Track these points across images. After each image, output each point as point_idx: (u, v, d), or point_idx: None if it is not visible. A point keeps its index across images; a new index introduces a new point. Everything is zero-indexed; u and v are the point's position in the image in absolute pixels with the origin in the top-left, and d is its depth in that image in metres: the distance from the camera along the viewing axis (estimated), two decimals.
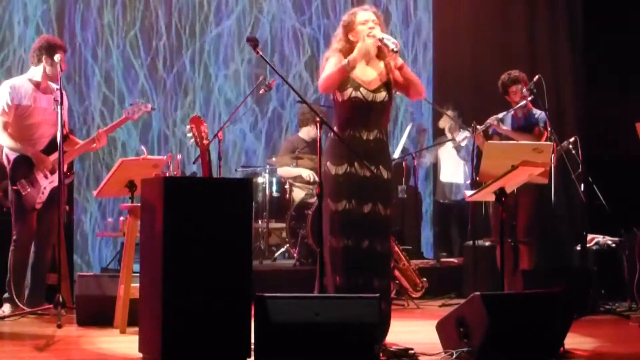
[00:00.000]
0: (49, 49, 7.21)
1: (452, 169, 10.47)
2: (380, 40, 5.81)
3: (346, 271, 5.73)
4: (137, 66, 10.61)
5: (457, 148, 10.33)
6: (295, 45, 11.32)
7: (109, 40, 10.50)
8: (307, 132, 9.99)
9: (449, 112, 10.27)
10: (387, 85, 5.91)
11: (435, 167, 10.84)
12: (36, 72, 7.29)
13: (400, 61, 5.86)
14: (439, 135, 10.84)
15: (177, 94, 10.78)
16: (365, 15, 5.94)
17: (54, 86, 7.14)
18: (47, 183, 7.18)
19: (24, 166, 7.17)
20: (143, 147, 7.55)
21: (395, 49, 5.75)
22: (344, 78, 5.83)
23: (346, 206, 5.78)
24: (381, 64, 5.93)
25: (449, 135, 10.40)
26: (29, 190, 7.13)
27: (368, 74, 5.91)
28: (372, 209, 5.79)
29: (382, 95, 5.87)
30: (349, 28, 5.96)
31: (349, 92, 5.84)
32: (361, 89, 5.83)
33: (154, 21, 10.70)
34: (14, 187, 7.15)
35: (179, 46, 10.80)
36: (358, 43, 5.88)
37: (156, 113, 10.31)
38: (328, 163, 5.85)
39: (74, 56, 10.22)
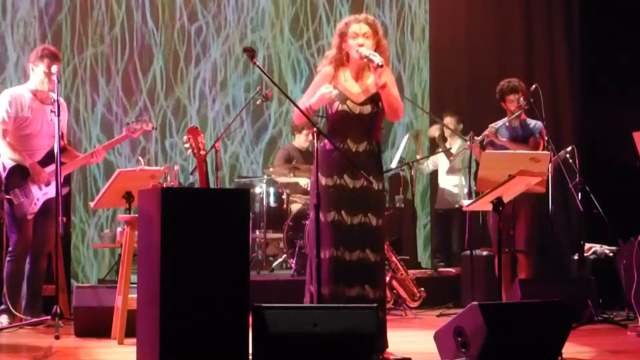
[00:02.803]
0: (40, 58, 7.23)
1: (449, 177, 10.47)
2: (366, 57, 5.83)
3: (336, 282, 5.76)
4: None
5: (448, 157, 10.31)
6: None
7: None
8: (300, 142, 10.04)
9: (447, 119, 10.27)
10: (375, 97, 5.93)
11: (434, 175, 10.84)
12: (34, 81, 7.30)
13: (383, 80, 5.85)
14: (434, 142, 10.84)
15: None
16: (356, 28, 5.94)
17: (54, 96, 7.11)
18: (41, 194, 7.17)
19: (19, 176, 7.16)
20: (140, 158, 7.55)
21: (380, 64, 5.75)
22: (309, 115, 5.89)
23: (335, 217, 5.82)
24: (370, 78, 5.95)
25: (440, 144, 10.40)
26: (21, 200, 7.12)
27: (355, 87, 5.96)
28: (362, 220, 5.82)
29: (369, 107, 5.91)
30: (341, 38, 5.99)
31: (336, 105, 5.89)
32: (348, 102, 5.88)
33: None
34: (7, 196, 7.15)
35: None
36: (350, 52, 5.92)
37: None
38: (319, 174, 5.89)
39: None
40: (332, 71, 5.97)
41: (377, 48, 5.93)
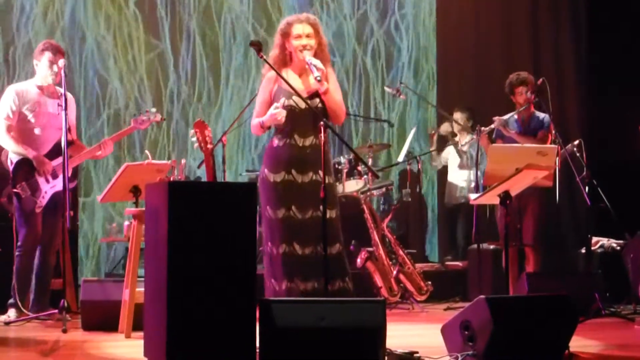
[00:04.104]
0: (41, 52, 7.27)
1: (458, 171, 10.46)
2: (308, 63, 5.99)
3: (290, 277, 5.93)
4: None
5: (460, 153, 10.31)
6: None
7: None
8: None
9: (457, 115, 10.25)
10: (318, 93, 6.09)
11: (443, 170, 10.83)
12: (40, 76, 7.31)
13: (324, 87, 6.00)
14: (443, 140, 10.83)
15: None
16: (299, 29, 6.11)
17: (61, 90, 7.12)
18: (49, 187, 7.18)
19: (26, 169, 7.17)
20: (148, 152, 7.55)
21: (318, 78, 5.89)
22: (265, 131, 6.14)
23: (285, 213, 5.96)
24: (312, 82, 6.10)
25: (450, 140, 10.39)
26: (29, 193, 7.13)
27: (299, 83, 6.11)
28: (313, 214, 5.96)
29: (314, 102, 6.04)
30: (284, 38, 6.16)
31: (282, 101, 6.02)
32: (294, 97, 6.00)
33: None
34: (14, 190, 7.16)
35: None
36: (294, 53, 6.12)
37: None
38: (266, 170, 6.09)
39: None
40: (274, 75, 6.09)
41: (319, 47, 6.12)
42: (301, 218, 5.97)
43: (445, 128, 10.62)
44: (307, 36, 6.07)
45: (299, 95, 5.92)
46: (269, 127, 6.10)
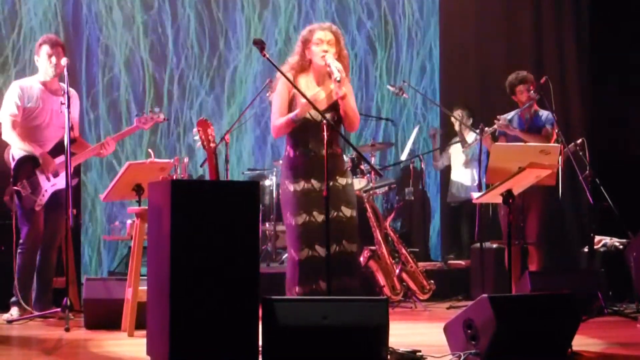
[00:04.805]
0: (39, 46, 7.28)
1: (462, 169, 10.45)
2: (329, 65, 6.02)
3: (316, 280, 6.00)
4: None
5: (466, 152, 10.28)
6: None
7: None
8: None
9: (458, 112, 10.24)
10: (336, 105, 6.12)
11: (447, 168, 10.82)
12: (42, 71, 7.31)
13: (342, 92, 6.02)
14: (449, 136, 10.82)
15: None
16: (320, 35, 6.16)
17: (64, 87, 7.10)
18: (49, 186, 7.18)
19: (27, 167, 7.16)
20: (150, 151, 7.56)
21: (337, 79, 5.92)
22: (291, 129, 6.10)
23: (306, 219, 6.05)
24: (332, 85, 6.11)
25: (459, 134, 10.36)
26: (29, 191, 7.13)
27: (317, 95, 6.12)
28: (333, 215, 6.00)
29: (329, 115, 6.07)
30: (305, 45, 6.19)
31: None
32: (311, 110, 5.96)
33: None
34: (15, 187, 7.15)
35: None
36: (314, 59, 6.14)
37: None
38: (286, 181, 6.16)
39: None
40: (291, 79, 6.10)
41: (339, 57, 6.14)
42: (322, 222, 5.99)
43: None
44: (328, 42, 6.11)
45: (311, 103, 5.92)
46: (300, 120, 6.10)
